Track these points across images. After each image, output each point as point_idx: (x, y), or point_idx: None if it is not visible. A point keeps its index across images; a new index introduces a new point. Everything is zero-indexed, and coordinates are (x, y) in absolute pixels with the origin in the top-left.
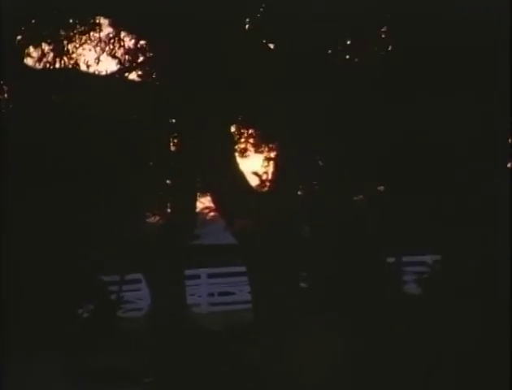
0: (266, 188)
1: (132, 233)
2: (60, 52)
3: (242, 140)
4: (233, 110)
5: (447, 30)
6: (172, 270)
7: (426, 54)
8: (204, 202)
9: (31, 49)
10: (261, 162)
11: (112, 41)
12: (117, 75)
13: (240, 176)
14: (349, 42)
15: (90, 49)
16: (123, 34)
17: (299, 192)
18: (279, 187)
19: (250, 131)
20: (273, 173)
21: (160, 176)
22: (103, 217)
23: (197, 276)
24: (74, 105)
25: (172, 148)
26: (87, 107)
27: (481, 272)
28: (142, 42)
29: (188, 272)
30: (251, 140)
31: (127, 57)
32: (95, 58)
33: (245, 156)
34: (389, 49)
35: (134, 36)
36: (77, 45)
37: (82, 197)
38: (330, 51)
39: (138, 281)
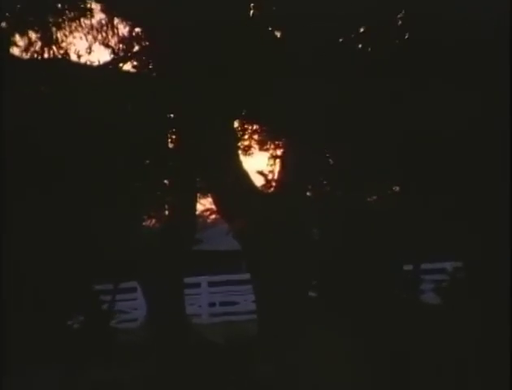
0: (271, 189)
1: (126, 237)
2: (48, 41)
3: (246, 136)
4: (236, 104)
5: (447, 29)
6: (170, 277)
7: (428, 52)
8: (204, 204)
9: (17, 37)
10: (266, 160)
11: (105, 28)
12: (110, 67)
13: (244, 176)
14: (356, 34)
15: (81, 38)
16: (116, 21)
17: (308, 193)
18: (286, 187)
19: (255, 126)
20: (279, 172)
21: (157, 176)
22: (95, 219)
23: (198, 284)
24: (64, 99)
25: (170, 145)
26: (78, 101)
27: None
28: (138, 30)
29: (187, 280)
30: (255, 137)
31: (121, 46)
32: (86, 47)
33: (249, 154)
34: (393, 45)
35: (129, 22)
36: (67, 33)
37: (72, 198)
38: (339, 43)
39: (133, 290)
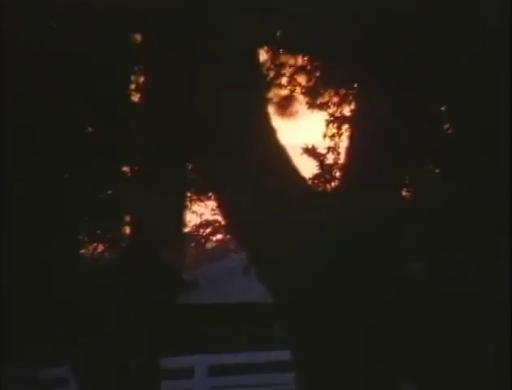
0: (333, 183)
1: (50, 277)
2: None
3: (281, 80)
4: (264, 20)
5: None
6: (135, 357)
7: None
8: (201, 214)
9: None
10: (322, 126)
11: None
12: None
13: (280, 158)
14: None
15: None
16: None
17: (403, 193)
18: (362, 181)
19: (299, 60)
20: (348, 151)
21: (110, 159)
22: None
23: (188, 371)
24: None
25: (135, 97)
26: None
27: None
28: None
29: (168, 362)
30: (300, 80)
31: None
32: None
33: (289, 114)
34: None
35: None
36: None
37: None
38: None
39: (63, 383)
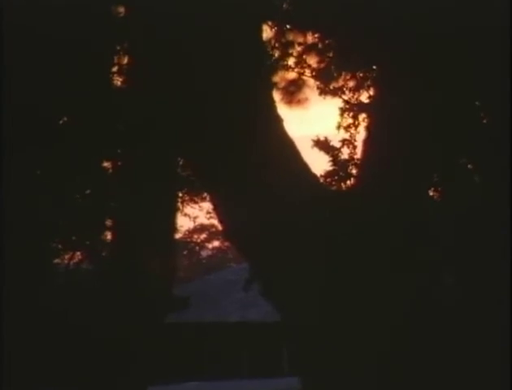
0: (348, 182)
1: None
2: None
3: (289, 60)
4: None
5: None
6: (122, 387)
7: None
8: (195, 217)
9: None
10: (337, 117)
11: None
12: None
13: (287, 151)
14: None
15: None
16: None
17: (429, 193)
18: (379, 178)
19: (308, 38)
20: (366, 144)
21: (92, 153)
22: None
23: None
24: None
25: (116, 81)
26: None
27: None
28: None
29: None
30: (312, 62)
31: None
32: None
33: (298, 101)
34: None
35: None
36: None
37: None
38: None
39: None
